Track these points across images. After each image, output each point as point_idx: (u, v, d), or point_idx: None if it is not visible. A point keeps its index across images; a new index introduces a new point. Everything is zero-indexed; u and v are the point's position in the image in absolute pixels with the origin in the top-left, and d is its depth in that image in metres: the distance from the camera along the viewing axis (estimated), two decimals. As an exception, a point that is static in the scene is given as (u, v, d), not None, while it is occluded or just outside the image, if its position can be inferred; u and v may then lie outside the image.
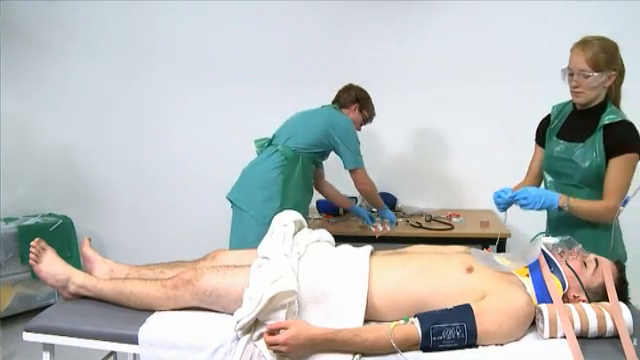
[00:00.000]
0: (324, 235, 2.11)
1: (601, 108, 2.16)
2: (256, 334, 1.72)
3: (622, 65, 2.15)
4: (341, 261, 1.90)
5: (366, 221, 3.32)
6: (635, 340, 1.60)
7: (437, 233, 3.26)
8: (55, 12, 3.97)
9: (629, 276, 1.88)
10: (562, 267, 1.81)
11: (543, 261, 1.83)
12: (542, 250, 1.86)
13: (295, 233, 2.03)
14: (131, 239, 4.16)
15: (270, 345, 1.64)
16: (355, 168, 3.04)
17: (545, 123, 2.38)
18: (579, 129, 2.21)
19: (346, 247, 2.01)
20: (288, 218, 2.08)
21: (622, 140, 2.09)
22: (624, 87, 2.14)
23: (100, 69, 4.03)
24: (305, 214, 3.06)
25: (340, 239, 2.20)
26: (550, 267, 1.82)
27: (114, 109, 4.08)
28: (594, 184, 2.15)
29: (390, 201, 3.74)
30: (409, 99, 3.75)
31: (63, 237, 3.80)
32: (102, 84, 4.05)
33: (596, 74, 2.08)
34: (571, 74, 2.14)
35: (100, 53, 4.02)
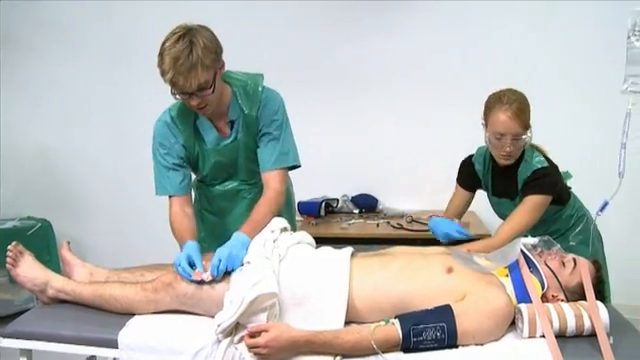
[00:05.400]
0: (305, 237, 2.10)
1: (518, 160, 2.21)
2: (237, 337, 1.71)
3: None
4: (322, 263, 1.90)
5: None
6: (611, 338, 1.62)
7: (418, 234, 3.28)
8: (35, 12, 3.92)
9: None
10: (541, 267, 1.84)
11: (522, 261, 1.85)
12: (521, 250, 1.88)
13: (276, 238, 2.02)
14: (111, 242, 4.12)
15: (251, 348, 1.64)
16: None
17: (469, 169, 2.41)
18: (505, 186, 2.28)
19: (327, 249, 2.02)
20: (276, 225, 2.07)
21: (532, 185, 2.15)
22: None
23: (80, 71, 3.99)
24: None
25: (321, 241, 2.19)
26: (529, 267, 1.84)
27: (94, 111, 4.03)
28: (541, 223, 2.22)
29: (371, 203, 3.76)
30: (391, 100, 3.75)
31: (42, 240, 3.75)
32: (82, 86, 4.01)
33: (529, 134, 2.12)
34: (499, 138, 2.13)
35: (80, 54, 3.97)
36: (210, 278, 1.84)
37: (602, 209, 2.17)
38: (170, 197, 2.18)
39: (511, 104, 2.10)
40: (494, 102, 2.15)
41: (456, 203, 2.47)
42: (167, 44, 1.90)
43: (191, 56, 1.86)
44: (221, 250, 1.88)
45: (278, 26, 3.77)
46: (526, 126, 2.10)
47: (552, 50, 3.56)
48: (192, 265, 1.89)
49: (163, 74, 1.92)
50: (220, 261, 1.84)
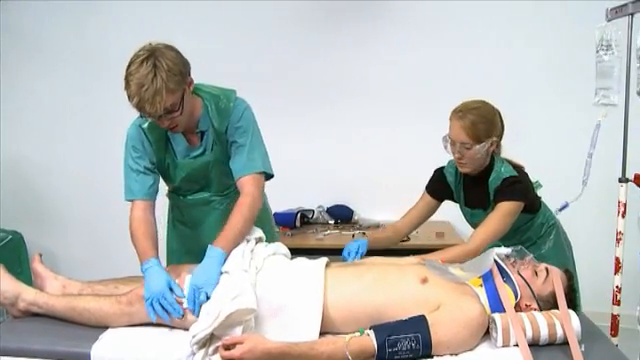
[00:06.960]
0: (280, 248, 2.11)
1: (488, 171, 2.23)
2: (211, 349, 1.70)
3: (502, 126, 2.22)
4: (297, 274, 1.90)
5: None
6: (583, 346, 1.65)
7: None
8: (7, 21, 3.88)
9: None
10: (514, 277, 1.86)
11: (496, 271, 1.87)
12: (495, 260, 1.90)
13: (252, 249, 2.02)
14: (85, 254, 4.07)
15: (226, 360, 1.63)
16: None
17: (441, 180, 2.42)
18: (477, 196, 2.30)
19: (302, 259, 2.02)
20: (251, 235, 2.06)
21: (503, 192, 2.16)
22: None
23: (53, 80, 3.95)
24: None
25: (297, 252, 2.19)
26: (503, 277, 1.86)
27: (67, 123, 4.00)
28: (513, 232, 2.24)
29: (347, 213, 3.77)
30: (366, 112, 3.78)
31: (13, 253, 3.67)
32: (55, 95, 3.97)
33: (477, 146, 2.12)
34: (453, 143, 2.16)
35: (54, 66, 3.94)
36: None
37: (562, 209, 2.22)
38: (133, 201, 2.14)
39: (466, 113, 2.12)
40: (456, 108, 2.18)
41: (418, 209, 2.44)
42: (131, 68, 1.86)
43: (155, 81, 1.82)
44: (196, 277, 1.84)
45: (251, 38, 3.78)
46: (477, 138, 2.10)
47: (526, 63, 3.61)
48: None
49: (129, 99, 1.88)
50: (195, 291, 1.80)
